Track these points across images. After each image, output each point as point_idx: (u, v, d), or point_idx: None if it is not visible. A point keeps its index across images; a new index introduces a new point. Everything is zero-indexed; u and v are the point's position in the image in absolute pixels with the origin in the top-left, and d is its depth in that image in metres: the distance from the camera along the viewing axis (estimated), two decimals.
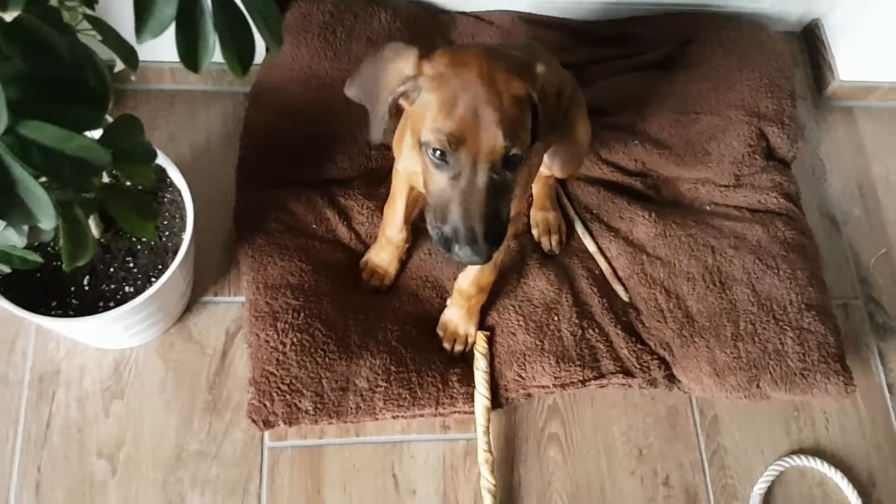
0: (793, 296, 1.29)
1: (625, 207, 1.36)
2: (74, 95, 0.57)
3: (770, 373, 1.25)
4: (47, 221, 0.59)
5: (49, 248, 1.04)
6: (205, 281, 1.28)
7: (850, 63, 1.53)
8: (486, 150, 0.83)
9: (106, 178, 1.00)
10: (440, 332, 1.26)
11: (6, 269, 0.82)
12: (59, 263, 1.04)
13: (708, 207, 1.40)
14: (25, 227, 0.74)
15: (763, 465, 1.29)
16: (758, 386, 1.25)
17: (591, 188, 1.39)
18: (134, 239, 1.07)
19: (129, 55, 0.70)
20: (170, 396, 1.20)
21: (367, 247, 1.30)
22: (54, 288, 1.03)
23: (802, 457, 1.30)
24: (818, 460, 1.30)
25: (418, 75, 0.85)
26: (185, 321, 1.25)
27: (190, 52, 0.57)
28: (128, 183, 1.01)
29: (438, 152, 0.84)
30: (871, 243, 1.50)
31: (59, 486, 1.13)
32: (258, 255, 1.24)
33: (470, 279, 1.19)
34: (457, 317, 1.24)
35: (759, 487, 1.27)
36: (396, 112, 0.91)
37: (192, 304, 1.26)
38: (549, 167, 1.22)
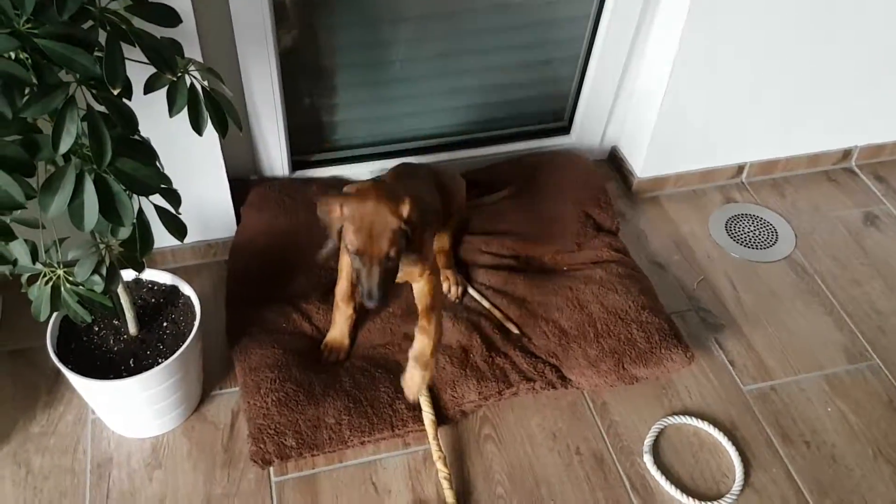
0: (630, 303, 1.81)
1: (507, 277, 1.91)
2: (139, 146, 1.13)
3: (628, 356, 1.73)
4: (128, 222, 1.11)
5: (104, 348, 1.52)
6: (212, 380, 1.73)
7: (642, 167, 2.21)
8: (376, 255, 1.41)
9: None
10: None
11: (88, 319, 1.31)
12: (112, 356, 1.51)
13: (565, 268, 1.96)
14: (103, 272, 1.25)
15: (647, 428, 1.71)
16: (623, 367, 1.72)
17: (481, 270, 1.93)
18: (160, 332, 1.56)
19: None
20: (196, 460, 1.60)
21: (324, 336, 1.79)
22: (111, 369, 1.49)
23: (676, 416, 1.73)
24: (689, 417, 1.73)
25: (341, 216, 1.41)
26: (201, 410, 1.69)
27: (196, 123, 1.15)
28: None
29: (354, 255, 1.42)
30: (691, 275, 2.06)
31: None
32: (243, 350, 1.71)
33: (423, 349, 1.59)
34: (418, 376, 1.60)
35: (648, 440, 1.68)
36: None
37: (204, 397, 1.71)
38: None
